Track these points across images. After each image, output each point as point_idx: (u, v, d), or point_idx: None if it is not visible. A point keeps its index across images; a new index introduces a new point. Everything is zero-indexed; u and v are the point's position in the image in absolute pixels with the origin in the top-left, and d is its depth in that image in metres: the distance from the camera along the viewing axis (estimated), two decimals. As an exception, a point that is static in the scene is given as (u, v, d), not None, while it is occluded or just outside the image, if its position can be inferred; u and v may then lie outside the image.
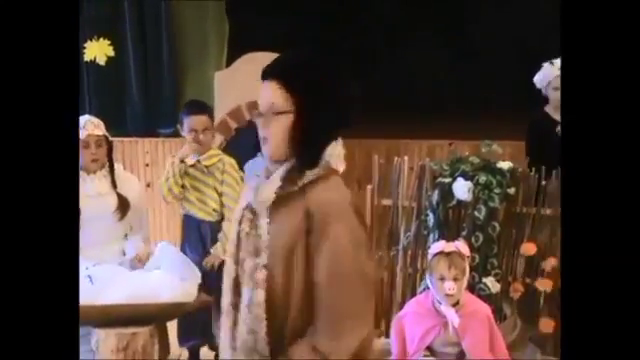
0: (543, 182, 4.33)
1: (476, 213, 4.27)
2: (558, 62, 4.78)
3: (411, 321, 3.81)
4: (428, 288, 3.81)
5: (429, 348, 3.75)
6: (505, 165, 4.33)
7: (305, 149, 2.15)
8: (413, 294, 4.31)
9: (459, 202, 4.31)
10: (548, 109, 4.93)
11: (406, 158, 4.47)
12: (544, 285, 4.31)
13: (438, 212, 4.33)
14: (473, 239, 4.26)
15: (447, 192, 4.32)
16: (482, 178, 4.28)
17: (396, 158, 4.47)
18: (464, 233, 4.28)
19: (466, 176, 4.30)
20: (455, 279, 3.64)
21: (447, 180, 4.33)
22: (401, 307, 4.08)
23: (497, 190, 4.27)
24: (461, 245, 3.78)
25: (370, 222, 4.46)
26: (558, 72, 4.72)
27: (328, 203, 2.12)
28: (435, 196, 4.33)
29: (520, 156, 6.26)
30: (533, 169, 4.41)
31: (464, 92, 6.63)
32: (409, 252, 4.48)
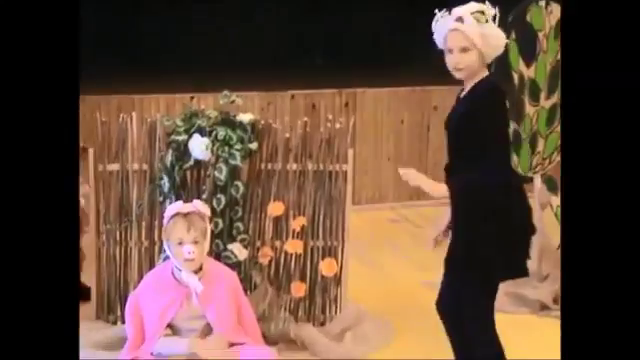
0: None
1: (216, 173, 3.83)
2: (458, 10, 2.99)
3: (148, 298, 3.29)
4: (168, 258, 3.31)
5: (171, 326, 3.25)
6: (245, 118, 3.91)
7: None
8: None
9: (197, 162, 3.84)
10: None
11: (134, 114, 3.90)
12: (294, 247, 3.98)
13: (174, 174, 3.84)
14: (215, 202, 3.83)
15: (182, 151, 3.84)
16: (221, 133, 3.84)
17: (122, 115, 3.89)
18: (204, 196, 3.82)
19: (203, 132, 3.83)
20: (195, 242, 3.17)
21: (182, 138, 3.84)
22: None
23: (238, 146, 3.85)
24: (200, 204, 3.32)
25: (95, 191, 3.86)
26: (453, 24, 2.97)
27: None
28: (169, 156, 3.83)
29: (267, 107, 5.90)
30: (277, 121, 4.03)
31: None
32: (143, 223, 3.94)
